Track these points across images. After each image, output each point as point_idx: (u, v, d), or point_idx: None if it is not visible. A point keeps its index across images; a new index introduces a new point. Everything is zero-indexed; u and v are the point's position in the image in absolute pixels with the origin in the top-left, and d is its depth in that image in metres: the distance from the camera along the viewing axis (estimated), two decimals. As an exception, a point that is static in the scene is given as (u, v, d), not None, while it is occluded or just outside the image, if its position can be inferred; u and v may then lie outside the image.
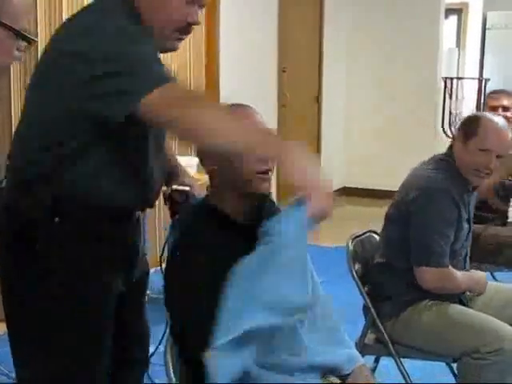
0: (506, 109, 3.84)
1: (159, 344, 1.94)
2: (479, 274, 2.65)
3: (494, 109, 3.80)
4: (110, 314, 1.82)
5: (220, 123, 1.52)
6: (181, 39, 1.76)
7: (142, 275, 2.01)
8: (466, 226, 2.60)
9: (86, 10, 1.75)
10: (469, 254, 2.71)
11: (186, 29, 1.75)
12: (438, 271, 2.47)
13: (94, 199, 1.71)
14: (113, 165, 1.71)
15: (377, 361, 2.83)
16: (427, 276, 2.48)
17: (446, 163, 2.62)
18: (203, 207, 1.89)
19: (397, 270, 2.55)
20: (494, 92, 4.10)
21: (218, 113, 1.57)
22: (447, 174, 2.57)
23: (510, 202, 3.76)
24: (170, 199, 2.02)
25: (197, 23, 1.74)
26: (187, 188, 2.03)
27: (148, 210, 1.99)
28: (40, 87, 1.72)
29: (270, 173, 1.83)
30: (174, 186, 2.04)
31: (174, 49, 1.78)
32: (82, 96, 1.59)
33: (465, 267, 2.66)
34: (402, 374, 2.55)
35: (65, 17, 3.88)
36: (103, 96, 1.57)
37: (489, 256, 3.45)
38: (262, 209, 1.92)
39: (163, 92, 1.53)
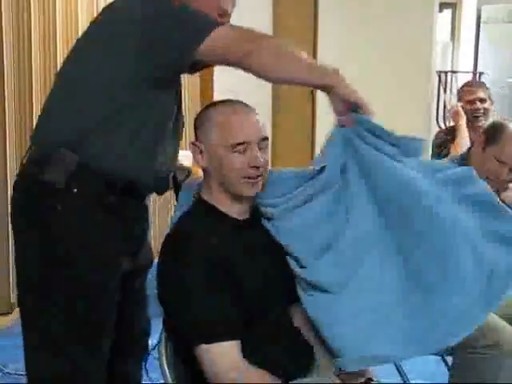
0: (482, 101, 3.77)
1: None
2: None
3: (470, 103, 3.74)
4: (112, 289, 1.86)
5: (291, 56, 1.75)
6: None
7: (146, 261, 2.08)
8: None
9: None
10: None
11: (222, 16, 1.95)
12: None
13: (117, 170, 1.81)
14: (138, 139, 1.82)
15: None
16: None
17: (457, 165, 2.64)
18: (198, 203, 1.89)
19: None
20: (467, 85, 4.00)
21: (285, 47, 1.78)
22: None
23: None
24: (173, 178, 2.10)
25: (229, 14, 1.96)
26: (187, 166, 2.17)
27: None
28: (89, 58, 1.84)
29: (259, 177, 1.81)
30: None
31: None
32: (144, 52, 1.75)
33: None
34: (396, 367, 2.55)
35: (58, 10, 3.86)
36: (168, 41, 1.74)
37: None
38: (256, 208, 1.93)
39: (227, 30, 1.76)
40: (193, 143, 1.84)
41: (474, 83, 4.16)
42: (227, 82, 5.77)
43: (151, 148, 1.86)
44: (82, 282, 1.81)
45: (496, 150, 2.52)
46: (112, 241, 1.85)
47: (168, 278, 1.77)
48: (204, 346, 1.66)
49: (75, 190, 1.79)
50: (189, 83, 5.32)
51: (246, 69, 1.79)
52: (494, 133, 2.56)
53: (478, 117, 3.69)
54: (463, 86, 4.00)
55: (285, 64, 1.75)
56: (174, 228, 1.85)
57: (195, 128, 1.89)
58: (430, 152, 3.90)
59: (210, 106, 1.91)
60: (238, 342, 1.68)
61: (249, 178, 1.79)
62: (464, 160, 2.63)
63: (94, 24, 1.91)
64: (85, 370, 1.85)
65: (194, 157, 1.85)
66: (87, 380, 1.86)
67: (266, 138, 1.83)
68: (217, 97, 5.57)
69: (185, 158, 4.58)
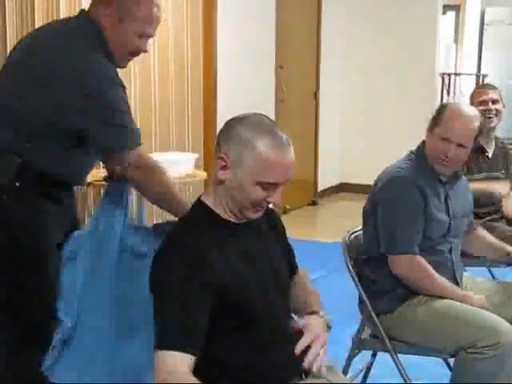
0: (494, 102, 3.78)
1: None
2: (468, 294, 2.54)
3: (483, 103, 3.74)
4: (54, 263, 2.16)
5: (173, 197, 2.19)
6: (130, 59, 2.30)
7: None
8: (444, 218, 2.59)
9: (71, 37, 2.18)
10: (457, 251, 2.68)
11: (137, 54, 2.28)
12: (406, 258, 2.48)
13: (50, 172, 2.17)
14: (67, 150, 2.18)
15: (374, 356, 2.84)
16: (395, 263, 2.50)
17: (415, 155, 2.67)
18: (197, 206, 1.88)
19: (380, 264, 2.56)
20: (480, 87, 4.02)
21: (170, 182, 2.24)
22: (414, 164, 2.62)
23: None
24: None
25: (147, 51, 2.28)
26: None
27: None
28: (33, 85, 2.13)
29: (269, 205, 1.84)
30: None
31: (125, 67, 2.31)
32: (71, 117, 2.10)
33: (453, 265, 2.63)
34: (398, 370, 2.55)
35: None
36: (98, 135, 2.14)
37: None
38: None
39: (141, 155, 2.17)
40: (222, 157, 1.78)
41: (487, 85, 4.16)
42: (231, 85, 5.78)
43: (76, 156, 2.21)
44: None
45: (440, 130, 2.56)
46: (53, 226, 2.17)
47: (152, 276, 1.78)
48: (158, 352, 1.66)
49: (17, 184, 2.13)
50: (191, 87, 5.33)
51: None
52: (437, 114, 2.61)
53: (490, 117, 3.71)
54: (476, 88, 4.03)
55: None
56: (171, 229, 1.86)
57: (223, 139, 1.81)
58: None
59: (248, 126, 1.79)
60: (190, 356, 1.65)
61: (260, 206, 1.82)
62: (420, 148, 2.66)
63: (32, 51, 2.20)
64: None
65: (216, 166, 1.80)
66: None
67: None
68: (220, 100, 5.57)
69: (186, 162, 4.57)
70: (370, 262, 2.61)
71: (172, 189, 2.21)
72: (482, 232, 2.90)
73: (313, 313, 1.90)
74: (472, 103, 3.73)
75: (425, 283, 2.51)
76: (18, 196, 2.14)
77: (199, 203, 1.88)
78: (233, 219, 1.84)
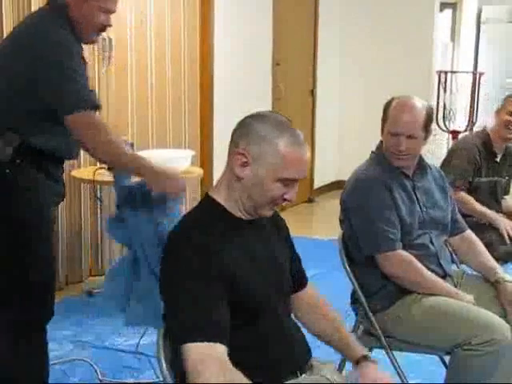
0: None
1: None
2: (459, 292, 2.53)
3: (509, 114, 3.71)
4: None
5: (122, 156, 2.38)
6: (99, 35, 2.59)
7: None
8: (416, 208, 2.60)
9: (41, 18, 2.48)
10: (439, 241, 2.68)
11: (103, 29, 2.54)
12: (392, 255, 2.49)
13: (43, 148, 2.43)
14: (58, 126, 2.39)
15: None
16: (383, 262, 2.51)
17: (375, 154, 2.69)
18: (206, 201, 1.88)
19: (363, 267, 2.58)
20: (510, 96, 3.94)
21: (121, 148, 2.39)
22: (375, 163, 2.65)
23: None
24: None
25: (110, 25, 2.55)
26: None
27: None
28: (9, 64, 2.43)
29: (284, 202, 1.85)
30: None
31: (94, 42, 2.65)
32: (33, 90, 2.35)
33: (437, 257, 2.63)
34: (394, 367, 2.55)
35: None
36: (47, 98, 2.37)
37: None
38: None
39: (88, 117, 2.35)
40: (242, 154, 1.78)
41: None
42: (228, 82, 5.78)
43: (59, 130, 2.40)
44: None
45: (388, 126, 2.57)
46: (50, 195, 2.52)
47: (163, 273, 1.79)
48: (188, 345, 1.64)
49: (18, 161, 2.39)
50: (188, 85, 5.33)
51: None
52: (384, 111, 2.61)
53: (509, 129, 3.70)
54: (507, 96, 3.88)
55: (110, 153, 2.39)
56: (177, 225, 1.86)
57: (242, 134, 1.81)
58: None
59: (270, 122, 1.81)
60: (220, 344, 1.65)
61: (276, 204, 1.84)
62: (378, 149, 2.67)
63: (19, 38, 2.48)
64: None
65: (233, 162, 1.79)
66: None
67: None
68: (216, 99, 5.57)
69: (183, 159, 4.59)
70: (354, 267, 2.61)
71: (121, 147, 2.40)
72: (471, 236, 2.84)
73: (364, 358, 1.93)
74: (500, 110, 3.70)
75: (414, 277, 2.51)
76: (18, 171, 2.42)
77: (208, 199, 1.88)
78: (244, 217, 1.85)
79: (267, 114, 1.86)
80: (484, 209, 3.62)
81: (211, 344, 1.64)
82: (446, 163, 3.73)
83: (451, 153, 3.84)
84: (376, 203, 2.53)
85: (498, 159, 3.82)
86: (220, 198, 1.85)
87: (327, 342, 2.04)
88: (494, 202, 3.80)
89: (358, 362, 1.93)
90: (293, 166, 1.78)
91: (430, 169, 2.74)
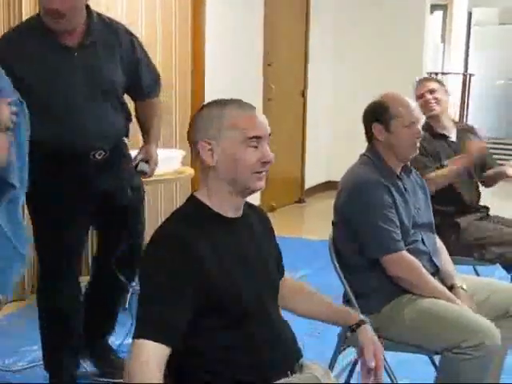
0: (432, 91, 3.70)
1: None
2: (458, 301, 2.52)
3: (421, 97, 3.69)
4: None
5: None
6: (56, 21, 2.63)
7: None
8: (410, 208, 2.62)
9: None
10: (430, 241, 2.69)
11: (51, 12, 2.60)
12: (396, 256, 2.50)
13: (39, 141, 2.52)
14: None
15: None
16: (389, 264, 2.51)
17: (369, 157, 2.70)
18: (190, 201, 1.89)
19: (355, 271, 2.59)
20: (419, 80, 3.90)
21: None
22: (371, 165, 2.65)
23: (485, 171, 3.78)
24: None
25: (53, 7, 2.58)
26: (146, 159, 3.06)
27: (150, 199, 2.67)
28: None
29: (266, 172, 1.86)
30: (139, 157, 3.04)
31: (57, 27, 2.65)
32: None
33: (430, 256, 2.64)
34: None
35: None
36: None
37: (473, 251, 3.46)
38: (250, 205, 1.94)
39: None
40: (200, 142, 1.82)
41: (423, 79, 4.00)
42: (219, 83, 5.78)
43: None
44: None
45: (398, 122, 2.58)
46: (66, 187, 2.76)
47: (140, 266, 1.82)
48: (136, 340, 1.66)
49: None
50: (179, 84, 5.33)
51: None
52: (382, 113, 2.62)
53: (431, 106, 3.67)
54: (416, 82, 3.90)
55: None
56: (163, 222, 1.86)
57: (196, 128, 1.87)
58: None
59: (212, 105, 1.91)
60: (165, 347, 1.65)
61: (259, 172, 1.83)
62: (373, 150, 2.70)
63: None
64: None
65: (201, 155, 1.81)
66: None
67: (270, 134, 1.89)
68: (208, 98, 5.57)
69: (174, 158, 4.57)
70: (345, 268, 2.62)
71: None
72: (439, 243, 2.83)
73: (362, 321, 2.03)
74: (416, 98, 3.70)
75: (417, 280, 2.52)
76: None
77: (191, 198, 1.89)
78: (231, 213, 1.85)
79: (206, 103, 1.94)
80: (450, 167, 3.49)
81: (157, 345, 1.64)
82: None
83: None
84: (380, 205, 2.53)
85: (452, 139, 3.71)
86: (203, 197, 1.85)
87: (320, 318, 2.09)
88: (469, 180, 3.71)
89: (357, 325, 2.02)
90: (249, 124, 1.83)
91: (411, 170, 2.77)
